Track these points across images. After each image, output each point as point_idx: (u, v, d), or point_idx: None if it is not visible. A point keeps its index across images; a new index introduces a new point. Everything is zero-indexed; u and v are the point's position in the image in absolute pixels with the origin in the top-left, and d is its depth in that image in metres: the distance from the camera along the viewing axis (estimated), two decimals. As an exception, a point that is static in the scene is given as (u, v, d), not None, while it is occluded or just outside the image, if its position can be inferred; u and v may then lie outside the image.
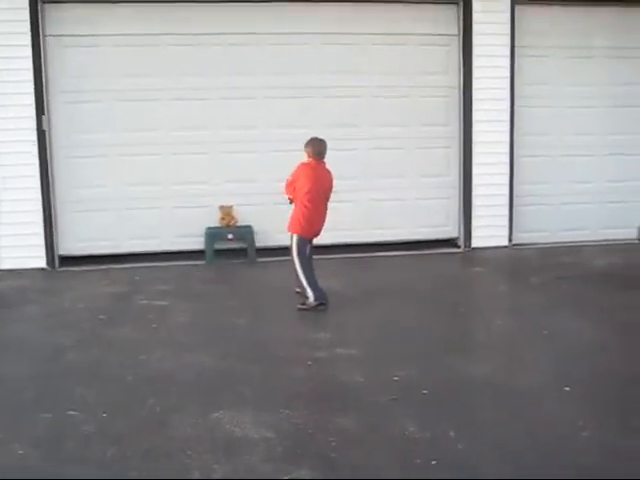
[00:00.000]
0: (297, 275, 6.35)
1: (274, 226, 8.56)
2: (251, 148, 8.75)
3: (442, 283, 7.58)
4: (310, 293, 6.30)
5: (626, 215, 9.50)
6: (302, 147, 6.47)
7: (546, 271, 7.91)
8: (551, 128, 9.28)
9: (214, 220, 8.74)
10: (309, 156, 6.37)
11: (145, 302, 6.77)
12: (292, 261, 6.40)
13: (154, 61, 8.58)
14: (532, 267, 8.20)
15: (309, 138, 6.46)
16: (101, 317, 6.25)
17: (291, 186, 6.41)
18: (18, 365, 5.08)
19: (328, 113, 8.78)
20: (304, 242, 6.41)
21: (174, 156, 8.67)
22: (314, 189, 6.31)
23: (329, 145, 6.48)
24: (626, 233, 9.47)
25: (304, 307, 6.33)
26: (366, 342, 5.48)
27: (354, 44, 8.83)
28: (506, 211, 9.12)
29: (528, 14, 9.04)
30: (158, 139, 8.63)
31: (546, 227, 9.36)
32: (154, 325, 5.95)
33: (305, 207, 6.32)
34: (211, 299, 6.91)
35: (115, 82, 8.51)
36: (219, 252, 8.64)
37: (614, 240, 9.37)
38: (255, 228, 8.75)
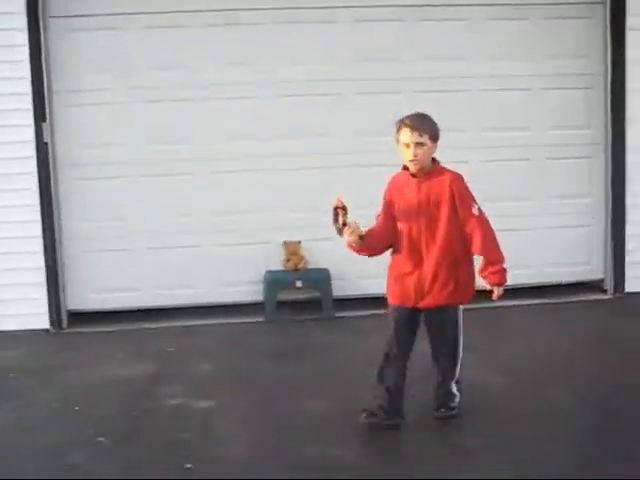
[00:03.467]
0: None
1: (358, 269, 5.73)
2: (325, 162, 5.99)
3: (612, 355, 4.77)
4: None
5: None
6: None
7: None
8: None
9: (276, 262, 6.02)
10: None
11: (177, 401, 4.02)
12: None
13: (187, 48, 5.87)
14: None
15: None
16: (100, 440, 3.52)
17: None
18: None
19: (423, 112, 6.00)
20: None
21: (217, 175, 5.94)
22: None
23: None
24: None
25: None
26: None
27: (458, 19, 6.03)
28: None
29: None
30: (194, 153, 5.91)
31: None
32: (188, 465, 3.21)
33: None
34: (279, 392, 4.11)
35: (137, 77, 5.84)
36: (284, 305, 5.91)
37: None
38: (332, 272, 5.99)
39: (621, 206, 6.16)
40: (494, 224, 6.03)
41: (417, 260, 3.46)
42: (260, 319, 5.81)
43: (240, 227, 5.99)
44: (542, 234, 6.26)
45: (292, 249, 5.97)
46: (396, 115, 5.70)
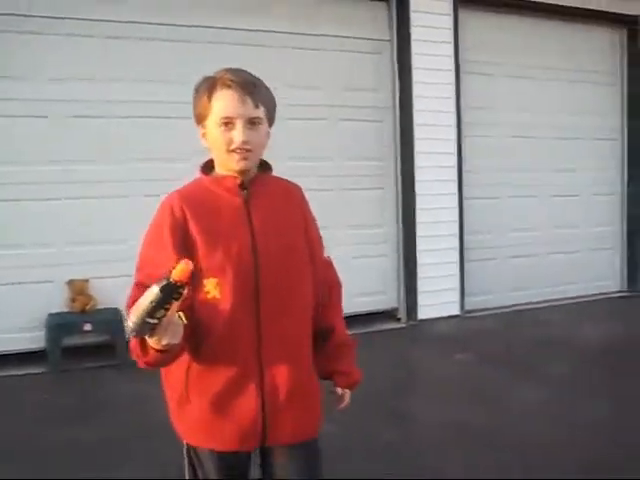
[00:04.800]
0: None
1: (154, 307, 5.30)
2: (117, 190, 5.37)
3: (414, 386, 4.77)
4: None
5: (579, 268, 7.29)
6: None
7: (544, 352, 5.28)
8: (497, 163, 6.82)
9: (60, 303, 5.24)
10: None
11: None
12: None
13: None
14: (518, 348, 5.47)
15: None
16: None
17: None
18: None
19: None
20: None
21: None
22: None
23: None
24: (584, 289, 7.27)
25: None
26: None
27: (250, 45, 5.64)
28: (456, 270, 6.52)
29: (472, 21, 6.59)
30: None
31: (496, 288, 6.84)
32: None
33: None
34: (78, 466, 3.39)
35: None
36: (70, 351, 5.13)
37: (574, 298, 7.13)
38: (124, 312, 5.33)
39: (412, 236, 6.30)
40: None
41: (252, 356, 1.77)
42: (44, 369, 5.01)
43: (16, 264, 5.15)
44: (342, 264, 6.16)
45: (78, 288, 5.24)
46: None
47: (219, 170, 1.83)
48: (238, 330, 1.75)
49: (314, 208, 2.03)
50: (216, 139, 1.77)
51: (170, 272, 1.46)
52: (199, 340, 1.74)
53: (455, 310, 6.46)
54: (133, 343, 1.63)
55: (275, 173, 1.94)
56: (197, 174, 1.86)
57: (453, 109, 6.38)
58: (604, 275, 7.53)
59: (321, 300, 1.95)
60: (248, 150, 1.76)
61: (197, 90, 1.80)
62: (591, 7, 7.01)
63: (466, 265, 6.58)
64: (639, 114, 7.49)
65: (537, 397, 4.32)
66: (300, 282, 1.86)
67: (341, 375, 1.99)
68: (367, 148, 6.26)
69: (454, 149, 6.41)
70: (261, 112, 1.78)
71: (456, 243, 6.46)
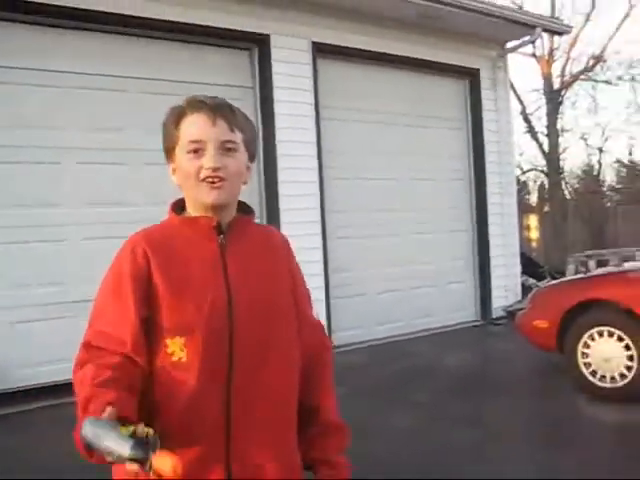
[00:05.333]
0: None
1: (17, 355, 5.11)
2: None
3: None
4: None
5: (438, 300, 7.73)
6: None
7: (410, 382, 5.57)
8: (358, 203, 7.18)
9: None
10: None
11: None
12: None
13: None
14: (387, 379, 5.73)
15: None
16: None
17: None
18: None
19: (84, 184, 5.60)
20: None
21: None
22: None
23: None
24: (444, 320, 7.70)
25: None
26: None
27: (108, 89, 5.71)
28: (323, 307, 6.71)
29: (329, 70, 6.97)
30: None
31: (363, 322, 7.12)
32: None
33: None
34: None
35: None
36: None
37: (435, 328, 7.54)
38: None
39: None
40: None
41: (219, 433, 1.43)
42: None
43: None
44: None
45: None
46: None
47: (190, 210, 1.53)
48: (205, 402, 1.41)
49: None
50: (184, 169, 1.48)
51: (154, 445, 1.19)
52: (153, 415, 1.37)
53: (324, 346, 6.63)
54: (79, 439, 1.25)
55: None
56: (167, 214, 1.56)
57: (314, 153, 6.67)
58: (460, 306, 8.03)
59: (306, 370, 1.59)
60: (221, 179, 1.46)
61: (164, 123, 1.55)
62: (438, 60, 7.65)
63: (332, 302, 6.81)
64: (482, 156, 8.16)
65: (406, 425, 4.53)
66: (283, 344, 1.53)
67: (327, 467, 1.62)
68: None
69: (317, 190, 6.67)
70: (237, 137, 1.50)
71: (322, 282, 6.67)
